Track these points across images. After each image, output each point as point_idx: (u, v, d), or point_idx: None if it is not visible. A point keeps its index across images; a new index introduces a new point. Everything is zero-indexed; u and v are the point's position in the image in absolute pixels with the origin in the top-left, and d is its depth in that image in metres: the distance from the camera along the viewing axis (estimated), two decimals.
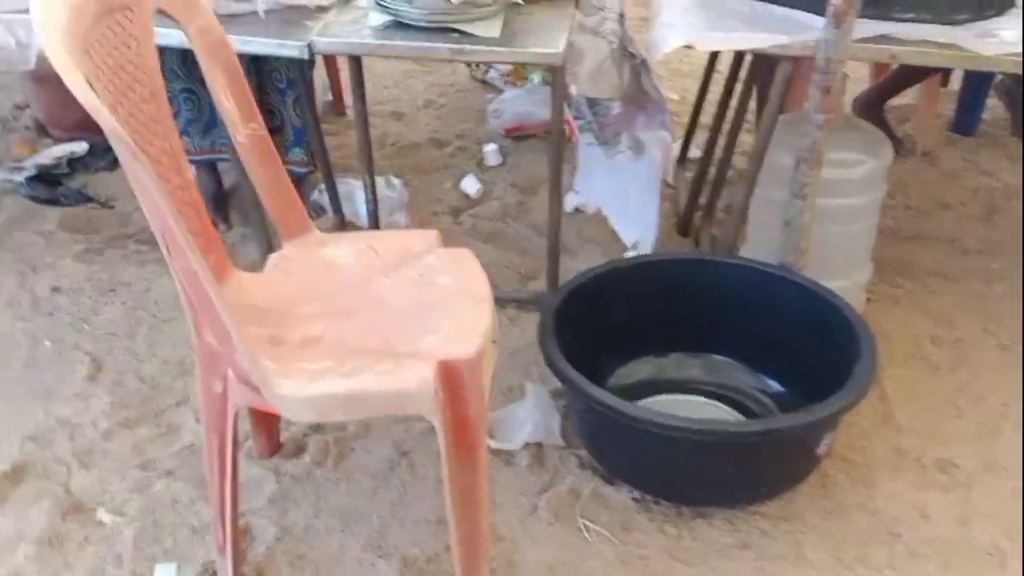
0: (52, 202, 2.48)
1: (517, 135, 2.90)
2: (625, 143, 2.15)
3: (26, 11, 1.83)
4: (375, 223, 2.09)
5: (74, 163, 2.65)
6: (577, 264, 2.28)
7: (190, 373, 1.89)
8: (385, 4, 1.69)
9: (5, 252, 2.26)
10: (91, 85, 1.09)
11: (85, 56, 1.12)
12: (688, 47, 1.70)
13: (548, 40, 1.71)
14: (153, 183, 1.07)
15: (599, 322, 1.81)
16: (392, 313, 1.40)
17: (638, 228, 2.20)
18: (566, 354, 1.59)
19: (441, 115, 3.08)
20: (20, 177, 2.52)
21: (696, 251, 2.30)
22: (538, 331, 1.67)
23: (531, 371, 1.95)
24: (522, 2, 1.78)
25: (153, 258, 2.25)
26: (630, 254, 2.23)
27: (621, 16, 2.02)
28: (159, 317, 2.07)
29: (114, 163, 2.69)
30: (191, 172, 1.40)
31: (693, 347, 1.88)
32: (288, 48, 1.72)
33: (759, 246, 2.02)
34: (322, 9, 1.83)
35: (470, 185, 2.61)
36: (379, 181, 2.52)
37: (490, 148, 2.78)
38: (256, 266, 2.08)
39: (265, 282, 1.49)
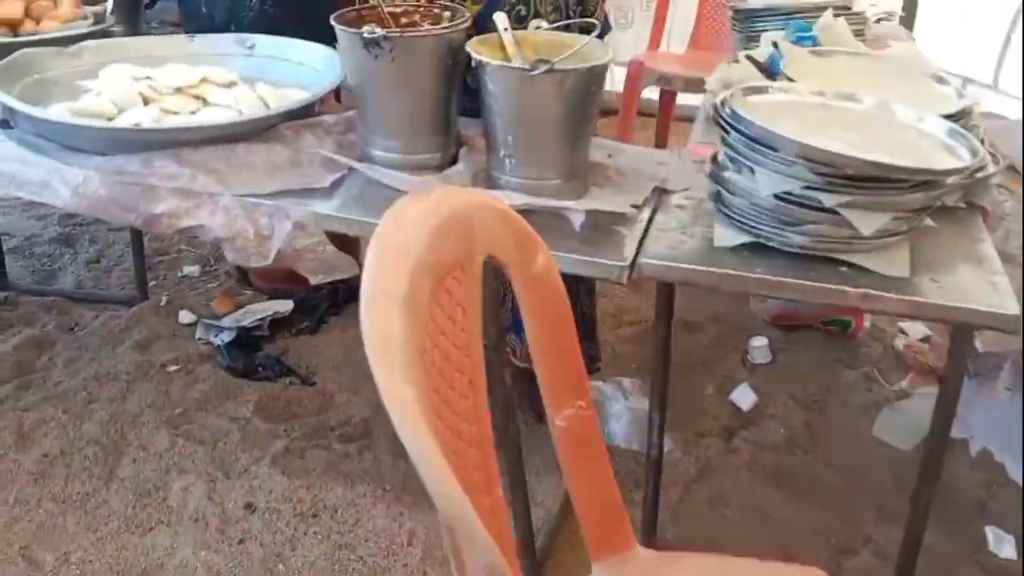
0: (249, 374, 2.14)
1: (786, 324, 2.38)
2: (1008, 380, 1.58)
3: (272, 195, 1.51)
4: (656, 472, 1.58)
5: (275, 322, 2.32)
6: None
7: None
8: (743, 221, 1.23)
9: (197, 444, 1.89)
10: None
11: (421, 356, 0.69)
12: None
13: (979, 283, 1.19)
14: None
15: None
16: None
17: None
18: None
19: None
20: (218, 340, 2.21)
21: None
22: None
23: None
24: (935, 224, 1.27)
25: (359, 469, 1.84)
26: None
27: None
28: (369, 564, 1.62)
29: (319, 324, 2.35)
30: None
31: None
32: (602, 268, 1.27)
33: None
34: (636, 207, 1.39)
35: (742, 397, 2.08)
36: (628, 384, 2.05)
37: (758, 344, 2.26)
38: None
39: None
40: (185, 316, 2.35)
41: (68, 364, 2.14)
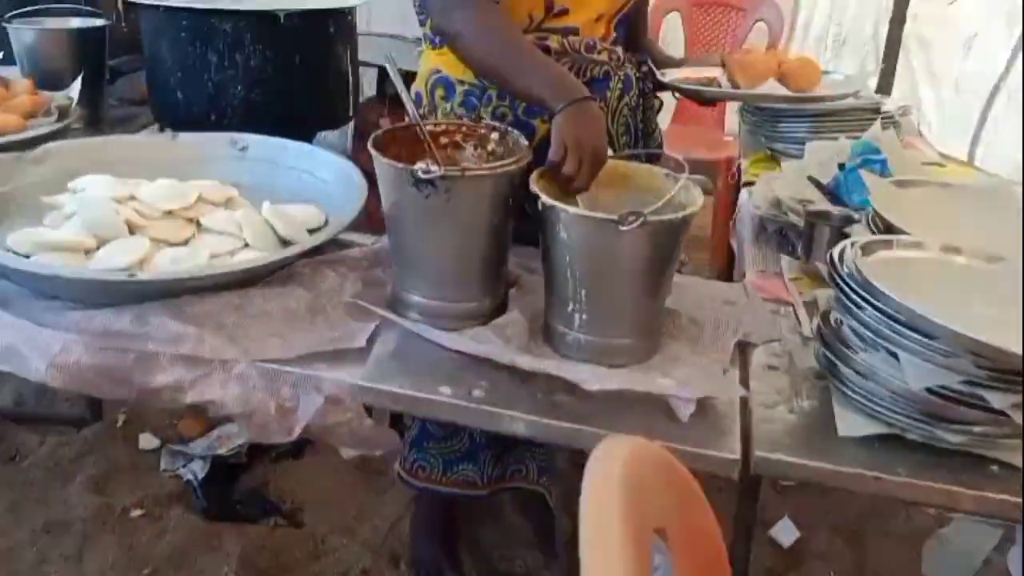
0: (227, 516, 1.85)
1: None
2: None
3: (295, 360, 1.22)
4: None
5: (253, 444, 2.05)
6: None
7: None
8: (874, 407, 1.05)
9: None
10: None
11: None
12: None
13: None
14: None
15: None
16: None
17: None
18: None
19: None
20: (189, 474, 1.92)
21: None
22: None
23: None
24: None
25: None
26: None
27: None
28: None
29: (301, 447, 2.08)
30: None
31: None
32: (708, 461, 1.07)
33: None
34: (726, 371, 1.20)
35: (784, 533, 1.91)
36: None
37: None
38: None
39: None
40: (146, 441, 2.05)
41: (12, 508, 1.82)
